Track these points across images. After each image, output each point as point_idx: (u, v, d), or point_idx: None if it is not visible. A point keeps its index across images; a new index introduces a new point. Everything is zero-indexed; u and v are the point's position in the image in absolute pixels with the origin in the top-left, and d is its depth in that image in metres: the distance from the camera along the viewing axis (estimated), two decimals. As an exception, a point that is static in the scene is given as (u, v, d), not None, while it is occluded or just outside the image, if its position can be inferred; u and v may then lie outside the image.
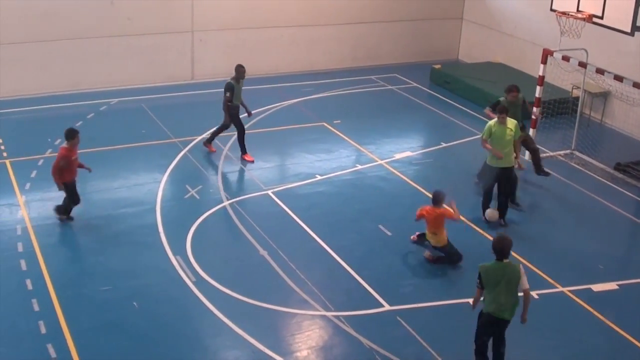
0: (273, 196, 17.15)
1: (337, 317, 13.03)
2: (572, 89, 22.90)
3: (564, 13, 19.13)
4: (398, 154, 19.82)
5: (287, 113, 22.24)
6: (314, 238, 15.51)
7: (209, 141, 19.30)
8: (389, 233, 15.86)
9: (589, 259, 15.39)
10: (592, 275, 14.72)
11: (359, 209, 16.84)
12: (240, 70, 18.65)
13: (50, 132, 19.70)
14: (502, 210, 16.28)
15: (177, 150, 19.17)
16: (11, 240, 14.81)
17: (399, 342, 12.47)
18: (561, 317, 13.48)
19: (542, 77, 19.26)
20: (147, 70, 23.90)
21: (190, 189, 17.17)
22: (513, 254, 14.96)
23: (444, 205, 14.81)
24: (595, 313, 13.57)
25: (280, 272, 14.22)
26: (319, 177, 18.23)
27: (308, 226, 15.91)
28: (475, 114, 22.72)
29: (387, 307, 13.37)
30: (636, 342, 12.86)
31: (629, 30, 18.22)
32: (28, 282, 13.50)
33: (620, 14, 18.25)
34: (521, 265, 11.35)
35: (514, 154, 16.18)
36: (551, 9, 19.78)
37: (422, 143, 20.96)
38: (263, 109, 22.27)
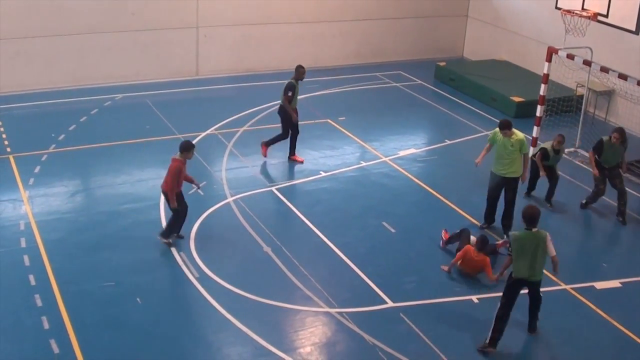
0: (277, 192, 17.16)
1: (340, 313, 13.03)
2: (577, 87, 22.86)
3: (569, 11, 19.15)
4: (402, 151, 19.82)
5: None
6: (317, 234, 15.51)
7: (292, 153, 18.84)
8: (393, 230, 15.86)
9: (593, 257, 15.39)
10: (595, 273, 14.73)
11: (363, 206, 16.84)
12: (300, 70, 18.36)
13: (54, 127, 19.76)
14: (506, 222, 15.60)
15: (181, 146, 19.16)
16: (14, 236, 14.82)
17: (402, 338, 12.47)
18: (564, 314, 13.47)
19: (547, 75, 19.22)
20: (152, 65, 23.90)
21: (193, 186, 17.15)
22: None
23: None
24: (599, 311, 13.56)
25: (284, 269, 14.22)
26: (323, 174, 18.23)
27: (312, 223, 15.92)
28: (479, 111, 22.72)
29: (390, 303, 13.37)
30: (638, 340, 12.85)
31: (633, 28, 18.29)
32: (31, 277, 13.51)
33: (625, 13, 18.30)
34: (548, 234, 12.08)
35: (522, 169, 15.68)
36: (556, 7, 19.83)
37: (426, 140, 20.94)
38: (268, 105, 22.24)
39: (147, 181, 17.37)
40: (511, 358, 12.43)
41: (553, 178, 17.29)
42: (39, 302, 12.84)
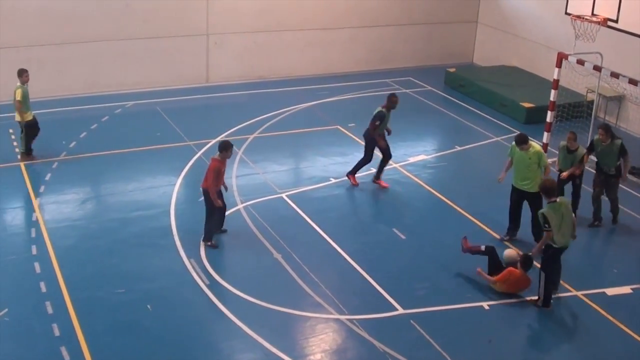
0: (287, 199, 17.17)
1: (350, 320, 13.02)
2: (587, 92, 22.82)
3: (578, 16, 19.11)
4: (412, 157, 19.82)
5: (302, 116, 22.25)
6: (327, 241, 15.51)
7: (377, 176, 18.12)
8: (403, 236, 15.85)
9: (603, 263, 15.34)
10: (606, 279, 14.67)
11: (373, 212, 16.85)
12: (392, 99, 17.76)
13: (65, 135, 19.82)
14: (536, 230, 15.27)
15: (191, 153, 19.22)
16: (25, 243, 14.88)
17: (413, 345, 12.46)
18: (575, 320, 13.45)
19: (557, 81, 19.20)
20: (162, 73, 23.98)
21: (204, 192, 17.20)
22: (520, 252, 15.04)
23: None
24: (609, 317, 13.51)
25: (294, 275, 14.23)
26: (333, 180, 18.24)
27: (322, 229, 15.92)
28: (489, 117, 22.69)
29: (400, 310, 13.36)
30: (651, 347, 12.84)
31: (644, 33, 18.22)
32: (42, 284, 13.55)
33: (635, 18, 18.24)
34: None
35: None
36: (566, 13, 19.78)
37: (436, 146, 20.93)
38: (278, 112, 22.29)
39: (158, 188, 17.40)
40: (522, 365, 12.44)
41: (573, 186, 16.58)
42: (50, 309, 12.88)
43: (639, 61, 21.13)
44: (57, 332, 12.32)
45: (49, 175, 17.71)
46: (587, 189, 16.92)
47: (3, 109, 20.64)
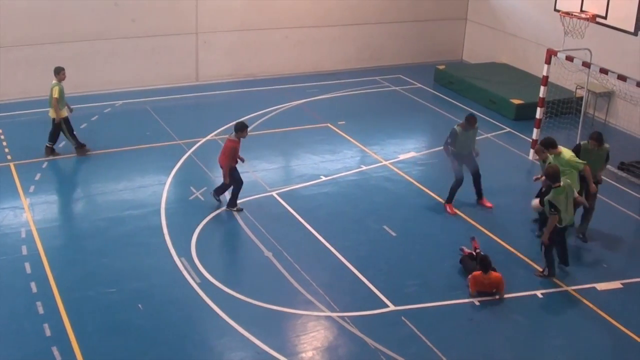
0: (277, 197, 17.17)
1: (342, 317, 13.04)
2: (576, 88, 22.87)
3: (567, 13, 19.15)
4: (403, 154, 19.83)
5: (292, 114, 22.25)
6: (318, 239, 15.52)
7: (449, 201, 17.07)
8: (394, 233, 15.87)
9: (594, 258, 15.38)
10: (596, 274, 14.72)
11: (363, 210, 16.85)
12: (470, 120, 16.68)
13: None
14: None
15: (181, 152, 19.20)
16: (16, 243, 14.84)
17: (404, 342, 12.48)
18: (566, 316, 13.48)
19: (546, 77, 19.26)
20: (152, 72, 23.94)
21: (194, 191, 17.19)
22: (514, 250, 15.06)
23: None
24: (600, 312, 13.56)
25: (285, 273, 14.23)
26: (323, 178, 18.25)
27: (312, 227, 15.93)
28: (479, 114, 22.65)
29: (392, 307, 13.38)
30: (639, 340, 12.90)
31: (632, 30, 18.26)
32: (33, 284, 13.53)
33: (623, 14, 18.27)
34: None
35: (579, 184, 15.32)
36: (555, 9, 19.81)
37: (426, 144, 20.95)
38: (268, 110, 22.29)
39: (148, 187, 17.39)
40: (513, 358, 12.48)
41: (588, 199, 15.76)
42: (41, 310, 12.85)
43: (627, 57, 21.19)
44: (48, 332, 12.30)
45: (38, 175, 17.67)
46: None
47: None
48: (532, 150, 19.64)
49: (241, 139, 16.16)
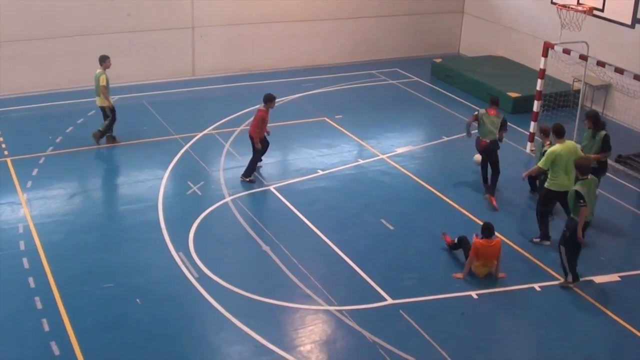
0: (275, 191, 17.16)
1: (340, 311, 13.04)
2: (573, 81, 22.89)
3: (564, 6, 19.15)
4: (400, 148, 19.82)
5: (289, 108, 22.22)
6: (316, 233, 15.52)
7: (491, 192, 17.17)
8: (391, 227, 15.87)
9: (591, 251, 15.38)
10: (594, 267, 14.71)
11: (361, 204, 16.85)
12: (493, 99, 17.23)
13: (51, 129, 19.76)
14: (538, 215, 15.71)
15: (178, 146, 19.18)
16: (13, 239, 14.83)
17: (402, 335, 12.49)
18: (564, 309, 13.48)
19: (543, 70, 19.25)
20: (148, 66, 23.91)
21: (192, 185, 17.18)
22: (511, 243, 15.07)
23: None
24: (598, 305, 13.57)
25: (283, 267, 14.23)
26: (320, 172, 18.24)
27: (310, 221, 15.92)
28: (476, 107, 22.64)
29: (389, 300, 13.38)
30: (637, 333, 12.87)
31: (629, 22, 18.25)
32: (30, 280, 13.51)
33: (620, 7, 18.27)
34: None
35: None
36: (552, 2, 19.82)
37: (423, 137, 20.95)
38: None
39: (145, 182, 17.37)
40: (513, 353, 12.45)
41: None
42: (39, 305, 12.85)
43: (624, 50, 21.20)
44: (46, 327, 12.29)
45: (35, 170, 17.65)
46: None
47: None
48: (529, 143, 19.66)
49: (269, 109, 17.53)
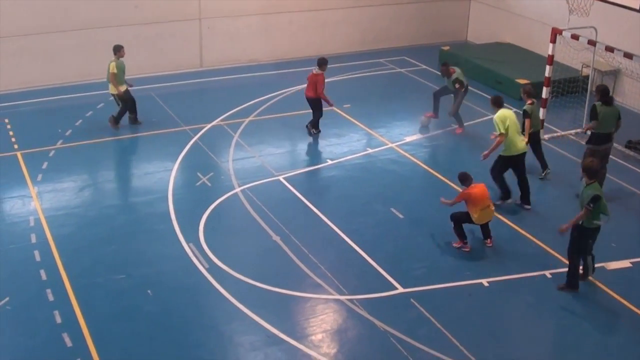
0: (284, 181, 17.17)
1: (350, 300, 13.06)
2: (582, 67, 22.80)
3: (572, -9, 19.06)
4: (408, 136, 19.80)
5: (297, 98, 22.16)
6: (326, 222, 15.53)
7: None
8: (401, 216, 15.87)
9: (602, 238, 15.26)
10: (605, 253, 14.66)
11: (370, 193, 16.85)
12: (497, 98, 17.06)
13: (60, 123, 19.80)
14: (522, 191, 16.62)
15: (187, 138, 19.20)
16: (24, 232, 14.88)
17: (413, 323, 12.50)
18: (575, 296, 13.45)
19: (552, 57, 19.18)
20: (156, 58, 23.91)
21: (201, 177, 17.21)
22: (521, 230, 15.07)
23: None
24: (609, 291, 13.55)
25: (293, 257, 14.25)
26: (330, 162, 18.24)
27: (320, 211, 15.93)
28: (485, 94, 22.63)
29: (400, 289, 13.39)
30: (651, 319, 12.89)
31: (637, 7, 18.20)
32: (42, 272, 13.57)
33: (628, -9, 18.20)
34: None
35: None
36: (559, -13, 19.72)
37: (432, 125, 20.88)
38: (273, 94, 22.27)
39: (155, 174, 17.40)
40: (525, 340, 12.46)
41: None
42: (51, 297, 12.91)
43: (633, 35, 21.10)
44: (58, 319, 12.35)
45: (45, 163, 17.70)
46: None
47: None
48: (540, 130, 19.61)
49: (324, 72, 19.43)
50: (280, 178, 17.33)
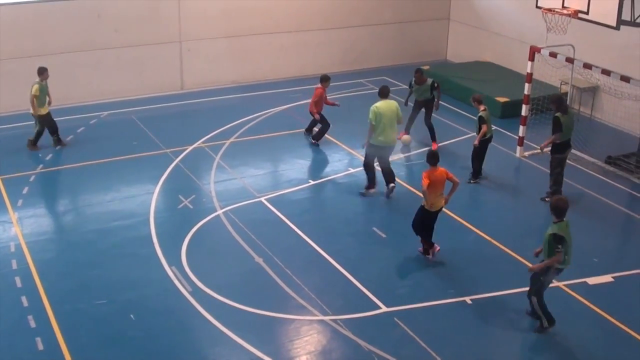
0: (266, 203, 17.16)
1: (334, 321, 13.04)
2: (561, 84, 22.96)
3: (549, 10, 19.22)
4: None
5: (278, 119, 22.25)
6: (308, 243, 15.52)
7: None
8: (384, 235, 15.89)
9: (584, 253, 15.39)
10: (587, 268, 14.74)
11: (352, 212, 16.87)
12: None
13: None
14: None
15: (168, 160, 19.17)
16: (5, 258, 14.78)
17: (398, 343, 12.50)
18: (557, 310, 13.45)
19: (531, 74, 19.33)
20: (137, 81, 23.90)
21: (183, 199, 17.17)
22: (503, 247, 15.10)
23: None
24: (591, 306, 13.60)
25: (277, 279, 14.22)
26: (311, 182, 18.26)
27: (302, 231, 15.92)
28: (465, 113, 22.74)
29: (384, 308, 13.39)
30: (632, 333, 12.90)
31: (614, 24, 18.30)
32: (24, 299, 13.47)
33: (605, 9, 18.34)
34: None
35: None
36: (537, 6, 19.88)
37: (413, 144, 20.94)
38: (254, 116, 22.29)
39: (136, 197, 17.35)
40: (509, 357, 12.47)
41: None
42: (33, 323, 12.81)
43: (611, 52, 21.28)
44: (40, 346, 12.25)
45: (26, 188, 17.61)
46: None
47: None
48: (519, 148, 19.72)
49: (325, 88, 20.36)
50: (262, 199, 17.32)
